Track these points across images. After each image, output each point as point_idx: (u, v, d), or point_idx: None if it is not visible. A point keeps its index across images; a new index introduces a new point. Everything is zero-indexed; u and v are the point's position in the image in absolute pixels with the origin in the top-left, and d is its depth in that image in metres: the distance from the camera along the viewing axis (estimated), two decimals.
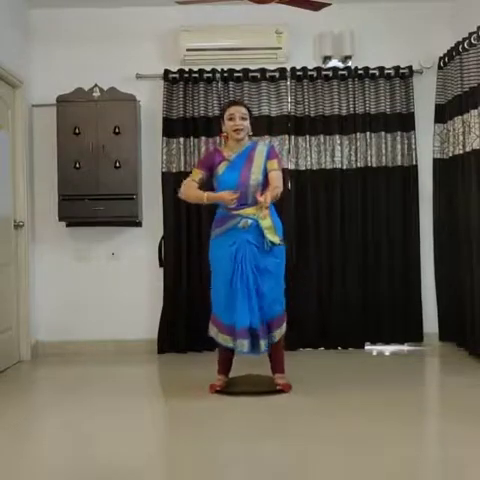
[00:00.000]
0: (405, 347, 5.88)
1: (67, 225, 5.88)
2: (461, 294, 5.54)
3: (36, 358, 5.74)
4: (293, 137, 5.85)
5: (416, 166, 5.89)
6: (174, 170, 5.82)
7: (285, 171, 5.45)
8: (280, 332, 4.36)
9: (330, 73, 5.89)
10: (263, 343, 4.24)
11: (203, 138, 5.82)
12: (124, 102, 5.71)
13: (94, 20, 5.92)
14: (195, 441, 3.52)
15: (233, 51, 5.82)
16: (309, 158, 5.86)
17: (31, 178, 5.87)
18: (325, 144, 5.88)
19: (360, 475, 3.04)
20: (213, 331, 4.39)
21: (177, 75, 5.84)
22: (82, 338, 5.86)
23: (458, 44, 5.43)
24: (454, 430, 3.62)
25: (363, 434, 3.57)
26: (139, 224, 5.92)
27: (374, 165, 5.87)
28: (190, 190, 4.47)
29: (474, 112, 5.19)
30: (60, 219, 5.74)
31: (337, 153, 5.86)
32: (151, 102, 5.90)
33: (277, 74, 5.85)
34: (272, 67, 5.87)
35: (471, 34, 5.18)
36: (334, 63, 5.97)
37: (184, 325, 5.76)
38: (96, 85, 5.71)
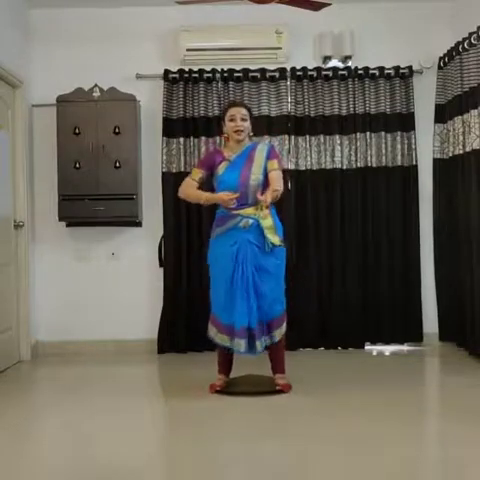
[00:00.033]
0: (405, 347, 5.88)
1: (67, 225, 5.88)
2: (461, 294, 5.54)
3: (36, 358, 5.74)
4: (293, 137, 5.85)
5: (416, 166, 5.89)
6: (174, 170, 5.82)
7: (285, 172, 5.45)
8: (280, 332, 4.35)
9: (330, 73, 5.89)
10: (259, 344, 4.25)
11: (203, 138, 5.82)
12: (124, 102, 5.71)
13: (94, 20, 5.93)
14: (195, 441, 3.52)
15: (233, 51, 5.82)
16: (309, 158, 5.86)
17: (31, 178, 5.87)
18: (325, 144, 5.88)
19: (360, 475, 3.03)
20: (212, 331, 4.38)
21: (177, 75, 5.84)
22: (82, 338, 5.86)
23: (458, 44, 5.43)
24: (454, 430, 3.62)
25: (363, 434, 3.57)
26: (139, 224, 5.92)
27: (374, 165, 5.87)
28: (189, 189, 4.48)
29: (474, 112, 5.19)
30: (60, 219, 5.74)
31: (337, 153, 5.86)
32: (151, 102, 5.90)
33: (277, 74, 5.85)
34: (272, 67, 5.87)
35: (471, 34, 5.19)
36: (334, 63, 5.97)
37: (184, 325, 5.76)
38: (96, 85, 5.71)
